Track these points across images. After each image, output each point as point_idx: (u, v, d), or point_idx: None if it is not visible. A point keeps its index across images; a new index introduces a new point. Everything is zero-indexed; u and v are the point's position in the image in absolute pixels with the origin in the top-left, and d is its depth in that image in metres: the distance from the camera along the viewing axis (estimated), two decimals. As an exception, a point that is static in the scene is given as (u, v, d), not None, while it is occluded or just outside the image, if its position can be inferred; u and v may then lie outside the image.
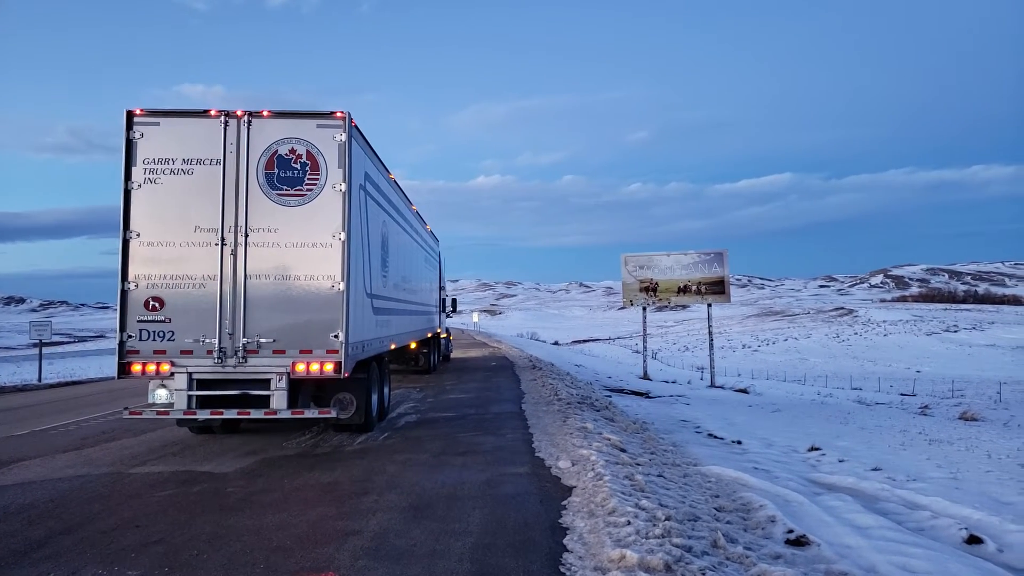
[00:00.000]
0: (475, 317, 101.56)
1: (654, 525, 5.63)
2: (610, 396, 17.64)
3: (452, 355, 29.39)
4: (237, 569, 4.94)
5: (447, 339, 27.08)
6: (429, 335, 20.20)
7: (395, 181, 13.13)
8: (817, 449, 10.57)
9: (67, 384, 21.51)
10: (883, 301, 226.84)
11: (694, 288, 30.10)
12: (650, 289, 30.50)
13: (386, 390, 12.12)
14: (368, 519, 6.13)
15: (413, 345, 18.59)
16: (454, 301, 26.87)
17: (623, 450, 9.23)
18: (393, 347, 12.78)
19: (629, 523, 5.67)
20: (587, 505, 6.44)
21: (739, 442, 11.08)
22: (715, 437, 11.65)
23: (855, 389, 49.58)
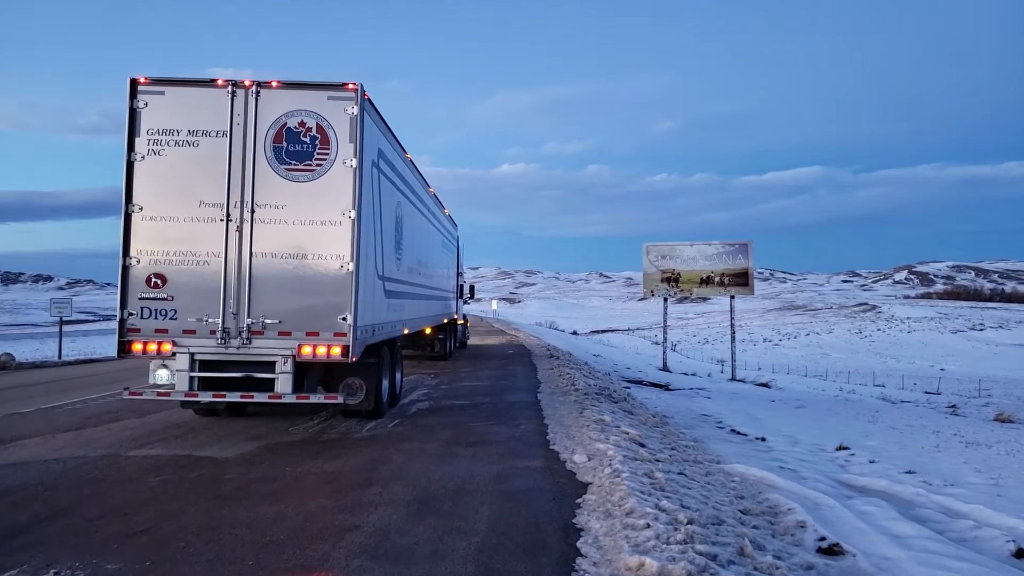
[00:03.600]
0: (494, 305, 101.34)
1: (676, 529, 5.19)
2: (629, 388, 17.18)
3: (469, 342, 29.04)
4: (223, 566, 4.58)
5: (464, 326, 26.70)
6: (445, 321, 19.83)
7: (412, 161, 12.71)
8: (845, 448, 10.07)
9: (84, 362, 21.49)
10: (907, 298, 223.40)
11: (717, 279, 29.45)
12: (672, 279, 29.89)
13: (398, 376, 11.76)
14: (369, 513, 5.76)
15: (428, 331, 18.23)
16: (472, 287, 26.47)
17: (642, 445, 8.79)
18: (406, 332, 12.42)
19: (648, 526, 5.24)
20: (603, 504, 6.02)
21: (763, 439, 10.60)
22: (738, 433, 11.17)
23: (878, 386, 48.63)
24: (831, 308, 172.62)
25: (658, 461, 7.95)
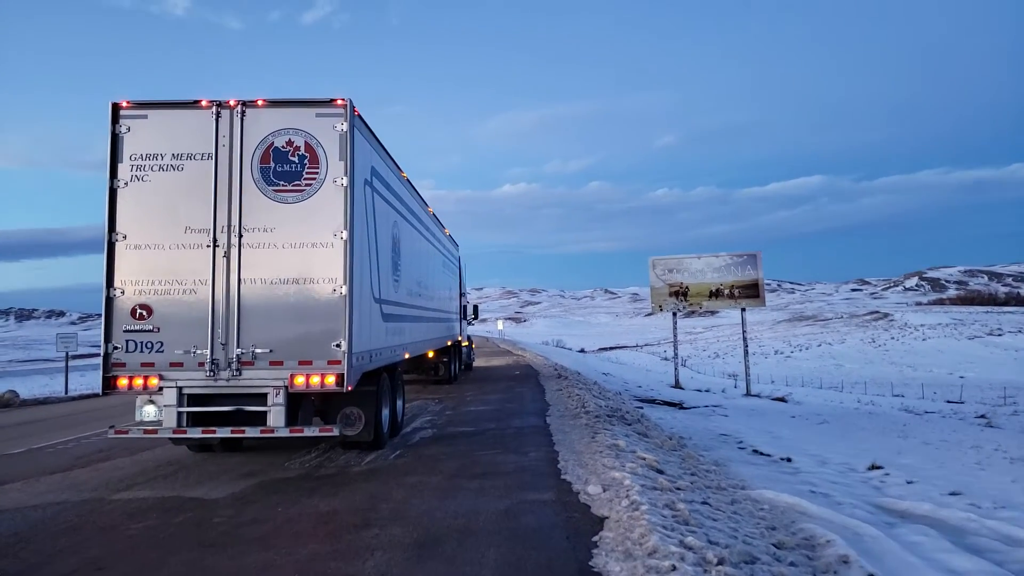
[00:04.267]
0: (500, 325, 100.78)
1: (705, 571, 4.67)
2: (641, 407, 16.60)
3: (475, 364, 28.50)
4: (198, 631, 4.07)
5: (469, 347, 26.16)
6: (449, 343, 19.32)
7: (408, 181, 12.31)
8: (879, 468, 9.47)
9: (88, 396, 21.08)
10: (919, 304, 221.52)
11: (727, 292, 28.88)
12: (680, 293, 29.32)
13: (399, 403, 11.25)
14: (365, 559, 5.25)
15: (431, 354, 17.72)
16: (475, 308, 25.98)
17: (660, 471, 8.24)
18: (407, 357, 11.92)
19: (675, 568, 4.71)
20: (622, 542, 5.48)
21: (789, 459, 10.02)
22: (761, 454, 10.59)
23: (896, 396, 47.71)
24: (842, 318, 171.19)
25: (679, 489, 7.41)
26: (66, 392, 22.79)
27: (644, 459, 8.74)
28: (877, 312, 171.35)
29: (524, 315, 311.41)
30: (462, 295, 22.98)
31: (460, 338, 22.33)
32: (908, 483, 8.57)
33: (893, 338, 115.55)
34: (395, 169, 10.88)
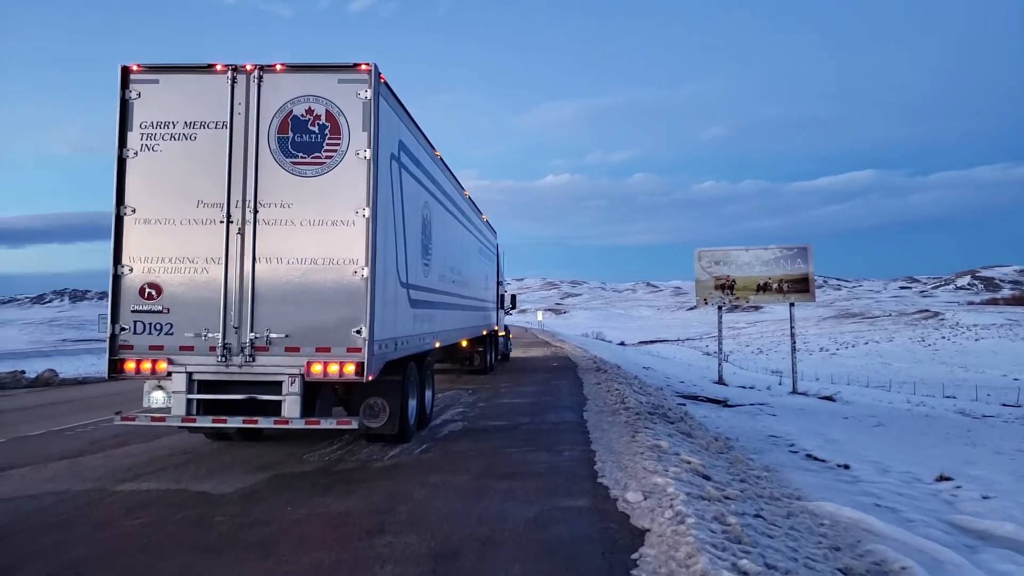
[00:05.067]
0: (539, 316, 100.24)
1: (766, 607, 3.93)
2: (684, 404, 15.76)
3: (512, 354, 27.86)
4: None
5: (505, 337, 25.50)
6: (485, 333, 18.70)
7: (442, 160, 11.68)
8: (948, 479, 8.57)
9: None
10: (971, 304, 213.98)
11: (775, 286, 27.68)
12: (726, 287, 28.21)
13: (428, 394, 10.66)
14: (374, 573, 4.63)
15: (465, 343, 17.12)
16: (513, 297, 25.31)
17: (707, 477, 7.49)
18: (438, 346, 11.33)
19: (729, 601, 3.99)
20: (666, 562, 4.77)
21: (846, 466, 9.16)
22: (815, 458, 9.74)
23: (948, 397, 45.79)
24: (890, 315, 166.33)
25: (728, 499, 6.65)
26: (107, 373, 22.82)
27: (689, 462, 8.00)
28: (927, 311, 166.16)
29: (564, 306, 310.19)
30: (500, 284, 22.33)
31: (497, 328, 21.70)
32: (984, 498, 7.67)
33: (944, 337, 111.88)
34: (427, 146, 10.25)
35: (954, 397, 45.39)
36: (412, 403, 9.36)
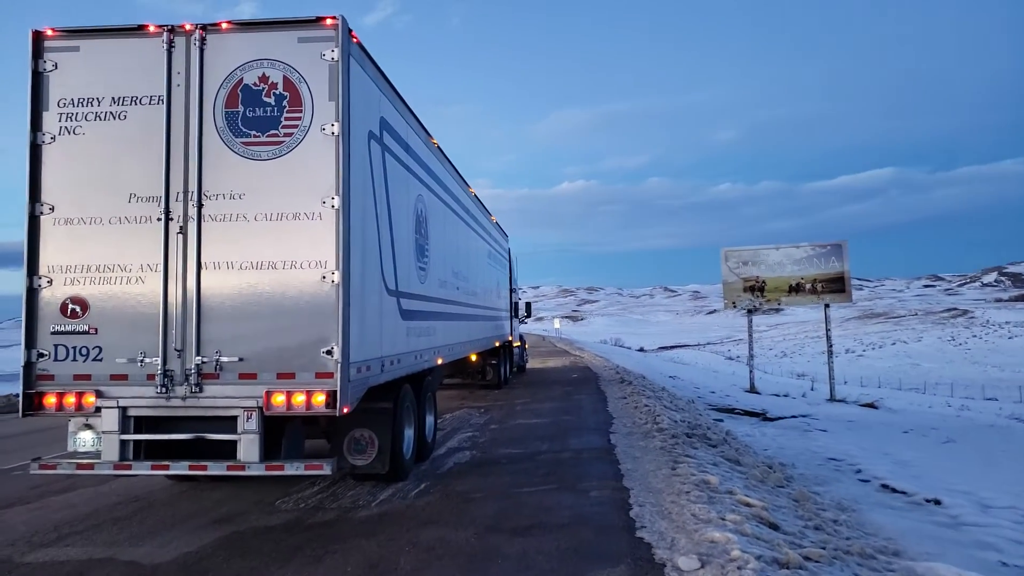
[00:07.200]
0: (556, 323, 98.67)
1: None
2: (721, 419, 14.13)
3: (528, 365, 26.27)
4: None
5: (521, 348, 23.90)
6: (497, 344, 17.16)
7: (440, 149, 10.21)
8: (1070, 517, 6.90)
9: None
10: (999, 301, 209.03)
11: (808, 286, 25.89)
12: (756, 288, 26.47)
13: (429, 420, 9.15)
14: None
15: (474, 357, 15.59)
16: (528, 305, 23.76)
17: (774, 526, 5.91)
18: (440, 362, 9.82)
19: None
20: None
21: (937, 501, 7.53)
22: (893, 490, 8.11)
23: (989, 400, 43.61)
24: (916, 315, 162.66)
25: (808, 560, 5.08)
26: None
27: (748, 504, 6.43)
28: (955, 309, 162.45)
29: (581, 313, 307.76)
30: (512, 291, 20.78)
31: (511, 338, 20.14)
32: None
33: (975, 336, 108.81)
34: (420, 130, 8.79)
35: (996, 399, 43.18)
36: (408, 433, 7.87)
